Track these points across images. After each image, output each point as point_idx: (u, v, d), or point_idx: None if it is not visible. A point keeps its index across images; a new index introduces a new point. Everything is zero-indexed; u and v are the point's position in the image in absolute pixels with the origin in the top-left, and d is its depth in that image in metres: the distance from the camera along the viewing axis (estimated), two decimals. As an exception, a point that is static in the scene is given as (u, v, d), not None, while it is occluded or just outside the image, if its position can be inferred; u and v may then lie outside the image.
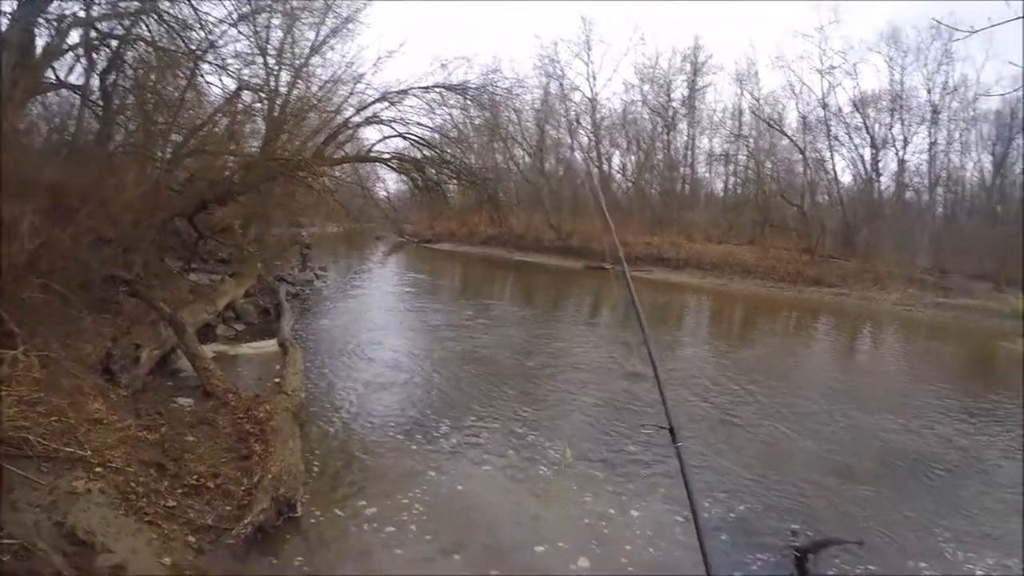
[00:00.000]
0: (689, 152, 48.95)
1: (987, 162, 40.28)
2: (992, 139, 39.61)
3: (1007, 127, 38.44)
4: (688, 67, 46.71)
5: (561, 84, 49.25)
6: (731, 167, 48.73)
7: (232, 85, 17.90)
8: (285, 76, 21.71)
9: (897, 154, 40.79)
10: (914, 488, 8.84)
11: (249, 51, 18.33)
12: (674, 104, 47.35)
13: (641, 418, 10.62)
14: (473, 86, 23.74)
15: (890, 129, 40.56)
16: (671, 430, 3.64)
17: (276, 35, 20.63)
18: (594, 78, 48.16)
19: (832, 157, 42.49)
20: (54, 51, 13.01)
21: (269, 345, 13.78)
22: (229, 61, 16.61)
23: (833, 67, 40.71)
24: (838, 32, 51.51)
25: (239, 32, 16.84)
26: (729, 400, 12.48)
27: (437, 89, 21.43)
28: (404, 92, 20.60)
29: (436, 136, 22.98)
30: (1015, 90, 34.84)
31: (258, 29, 18.73)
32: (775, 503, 7.92)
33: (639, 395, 12.08)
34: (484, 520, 6.99)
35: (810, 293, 33.87)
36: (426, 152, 21.17)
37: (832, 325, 26.00)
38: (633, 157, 50.81)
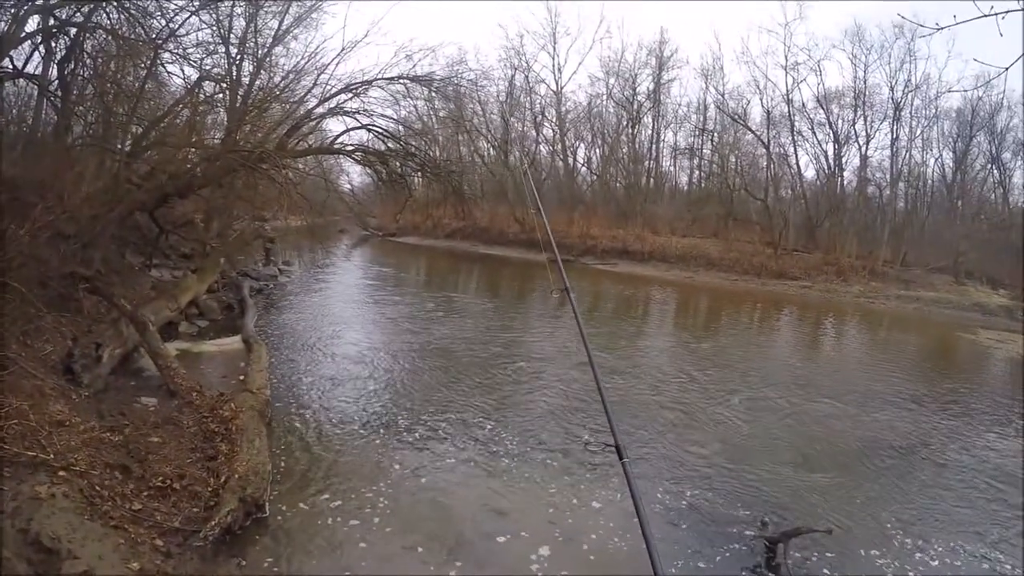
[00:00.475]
0: (654, 146, 49.24)
1: (948, 158, 41.11)
2: (953, 136, 40.43)
3: (968, 124, 39.34)
4: (653, 61, 46.84)
5: (527, 77, 49.32)
6: (696, 161, 49.27)
7: (193, 75, 17.56)
8: (248, 66, 21.32)
9: (860, 149, 41.48)
10: (875, 475, 9.07)
11: (211, 40, 18.02)
12: (639, 98, 47.59)
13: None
14: (438, 78, 23.51)
15: (853, 125, 41.20)
16: (617, 447, 3.68)
17: (239, 24, 20.22)
18: (560, 71, 48.44)
19: (796, 152, 43.12)
20: (11, 39, 12.59)
21: (233, 342, 13.62)
22: (190, 50, 16.31)
23: (798, 63, 41.14)
24: (803, 29, 52.25)
25: (201, 20, 16.53)
26: (692, 391, 12.64)
27: (402, 80, 21.18)
28: (368, 83, 20.33)
29: (401, 128, 22.81)
30: (976, 88, 35.97)
31: (220, 18, 18.34)
32: (741, 493, 8.05)
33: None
34: (447, 511, 7.07)
35: (773, 285, 34.36)
36: (390, 144, 20.90)
37: (795, 317, 26.40)
38: (598, 150, 51.11)
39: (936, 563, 6.75)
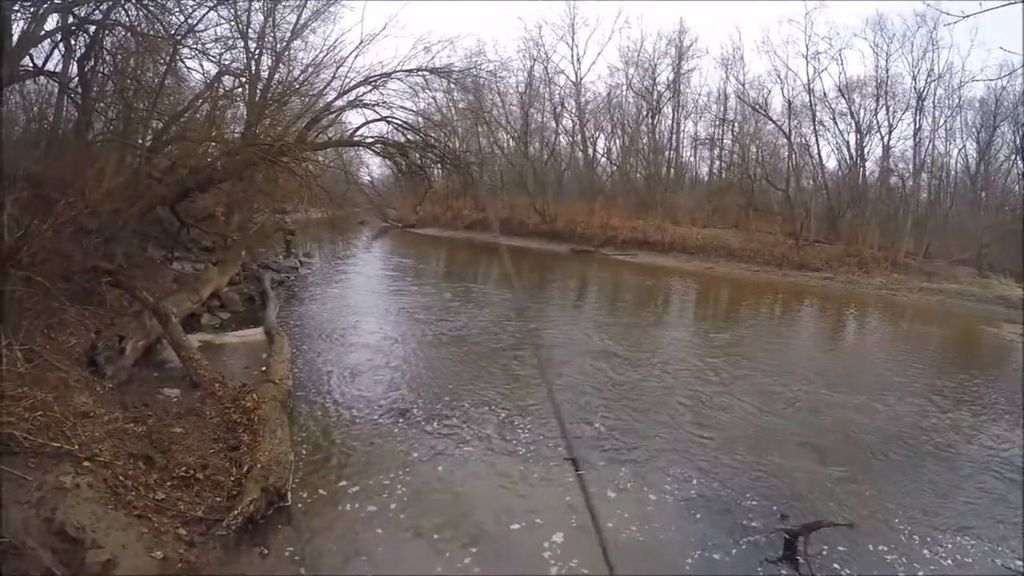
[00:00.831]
0: (674, 136, 48.91)
1: (971, 149, 40.44)
2: (976, 126, 39.72)
3: (991, 114, 38.54)
4: (673, 51, 46.46)
5: (545, 67, 48.96)
6: (716, 151, 48.89)
7: (212, 70, 17.70)
8: (266, 60, 21.42)
9: (882, 140, 40.83)
10: (891, 468, 8.98)
11: (229, 35, 18.11)
12: (659, 88, 47.22)
13: (619, 402, 10.80)
14: (457, 69, 23.64)
15: (875, 115, 40.56)
16: (573, 460, 3.70)
17: (257, 19, 20.30)
18: (579, 62, 47.96)
19: (817, 142, 42.53)
20: (31, 38, 12.74)
21: (255, 333, 13.71)
22: (209, 45, 16.42)
23: (819, 53, 40.62)
24: (824, 18, 51.46)
25: (219, 16, 16.67)
26: (709, 382, 12.57)
27: (420, 72, 21.21)
28: (387, 75, 20.35)
29: (420, 120, 22.84)
30: (1000, 78, 35.36)
31: (238, 12, 18.45)
32: (757, 485, 8.01)
33: (615, 377, 12.37)
34: (462, 498, 7.13)
35: (795, 276, 34.03)
36: (410, 136, 20.94)
37: (816, 308, 26.17)
38: (618, 141, 50.77)
39: (948, 561, 6.66)
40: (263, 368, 11.01)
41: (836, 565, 6.32)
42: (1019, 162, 39.35)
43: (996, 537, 7.21)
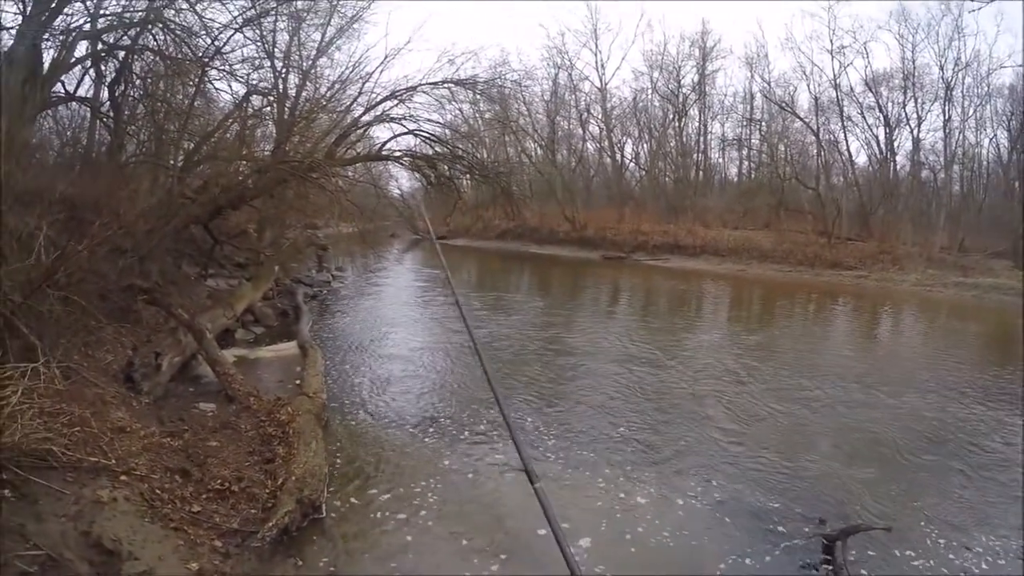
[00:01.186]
0: (701, 138, 48.61)
1: (1003, 138, 39.25)
2: (1007, 114, 38.57)
3: (1021, 101, 37.38)
4: (697, 52, 46.18)
5: (570, 75, 49.08)
6: (744, 152, 48.47)
7: (241, 90, 18.05)
8: (293, 79, 21.77)
9: (911, 133, 40.10)
10: (931, 473, 8.74)
11: (256, 55, 18.44)
12: (684, 90, 46.96)
13: (646, 406, 10.77)
14: (482, 80, 23.71)
15: (903, 108, 39.84)
16: (527, 472, 3.66)
17: (283, 38, 20.62)
18: (603, 67, 47.87)
19: (846, 138, 41.85)
20: (62, 64, 13.11)
21: (289, 347, 13.86)
22: (236, 66, 16.78)
23: (843, 47, 39.98)
24: (847, 10, 50.61)
25: (245, 37, 16.97)
26: (745, 384, 12.44)
27: (446, 85, 21.38)
28: (413, 89, 20.56)
29: (447, 132, 23.01)
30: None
31: (264, 33, 18.75)
32: (788, 489, 7.88)
33: (643, 381, 12.36)
34: (491, 506, 7.16)
35: (828, 276, 33.51)
36: (437, 148, 21.10)
37: (851, 307, 25.74)
38: (645, 145, 50.52)
39: (982, 563, 6.48)
40: (297, 381, 11.12)
41: (864, 571, 6.14)
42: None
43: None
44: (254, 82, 18.15)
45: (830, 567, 6.07)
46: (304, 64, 21.66)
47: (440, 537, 6.42)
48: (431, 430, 9.33)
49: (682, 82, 46.89)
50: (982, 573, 6.32)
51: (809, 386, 12.51)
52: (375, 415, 9.94)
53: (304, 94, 21.59)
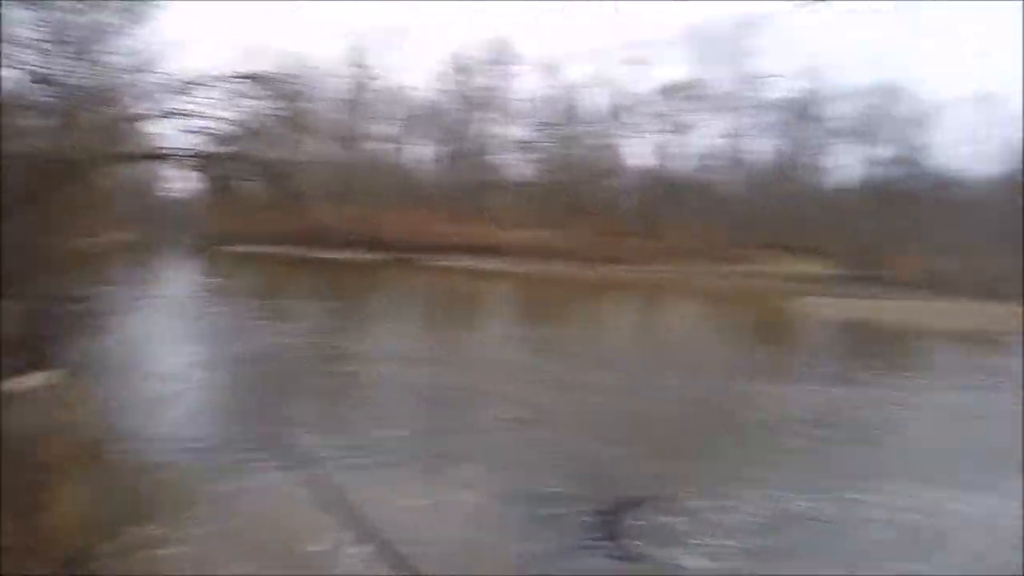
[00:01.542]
0: (498, 140, 50.15)
1: (783, 145, 46.07)
2: (782, 125, 45.32)
3: (795, 113, 44.41)
4: (498, 57, 47.90)
5: (371, 75, 48.98)
6: (539, 154, 50.30)
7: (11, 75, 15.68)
8: (74, 65, 19.33)
9: (697, 138, 45.46)
10: (699, 443, 9.59)
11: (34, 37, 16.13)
12: (484, 93, 48.35)
13: (434, 404, 10.64)
14: (279, 76, 22.42)
15: (691, 115, 44.89)
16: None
17: (65, 19, 18.23)
18: (404, 69, 48.36)
19: (636, 142, 46.09)
20: None
21: (45, 377, 12.06)
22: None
23: (636, 58, 43.78)
24: (644, 24, 55.17)
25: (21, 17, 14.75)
26: (528, 376, 12.81)
27: (240, 79, 19.93)
28: (204, 83, 18.95)
29: (238, 129, 21.51)
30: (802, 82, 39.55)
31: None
32: (577, 472, 7.98)
33: (432, 383, 12.46)
34: (270, 527, 6.39)
35: (615, 272, 35.82)
36: (226, 147, 19.64)
37: (634, 300, 27.47)
38: (443, 147, 51.04)
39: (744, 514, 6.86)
40: (60, 414, 9.64)
41: (639, 542, 6.20)
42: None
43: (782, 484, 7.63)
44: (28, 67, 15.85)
45: (611, 542, 6.16)
46: (88, 49, 19.29)
47: (217, 561, 5.62)
48: (210, 455, 8.30)
49: (481, 85, 48.46)
50: (734, 523, 6.62)
51: (588, 374, 13.10)
52: (152, 443, 8.62)
53: (85, 82, 19.21)
